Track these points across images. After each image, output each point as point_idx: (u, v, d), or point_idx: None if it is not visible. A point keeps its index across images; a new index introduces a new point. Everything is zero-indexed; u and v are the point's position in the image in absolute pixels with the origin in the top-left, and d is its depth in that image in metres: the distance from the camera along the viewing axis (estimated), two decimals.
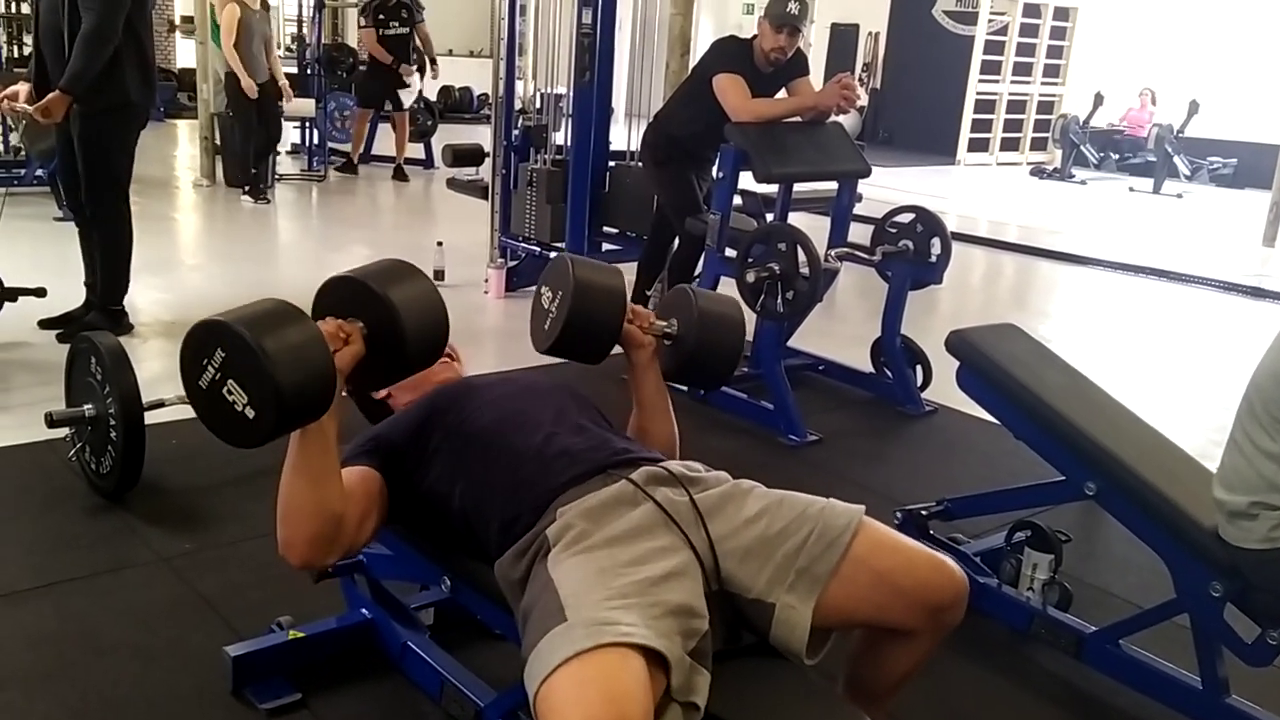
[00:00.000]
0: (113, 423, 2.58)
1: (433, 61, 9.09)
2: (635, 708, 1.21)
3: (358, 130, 9.00)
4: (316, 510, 1.52)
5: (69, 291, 4.11)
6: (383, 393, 1.97)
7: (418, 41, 8.75)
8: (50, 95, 3.62)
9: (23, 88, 3.72)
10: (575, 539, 1.46)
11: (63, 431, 2.74)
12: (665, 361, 1.92)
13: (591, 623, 1.29)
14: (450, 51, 12.90)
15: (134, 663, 2.02)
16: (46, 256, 5.03)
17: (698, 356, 1.90)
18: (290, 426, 1.44)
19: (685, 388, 3.90)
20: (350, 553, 1.66)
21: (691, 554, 1.47)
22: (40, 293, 3.95)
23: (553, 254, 5.20)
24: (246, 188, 7.32)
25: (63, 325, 3.95)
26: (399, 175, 8.78)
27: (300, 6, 11.43)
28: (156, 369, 3.70)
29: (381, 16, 8.43)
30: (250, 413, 1.38)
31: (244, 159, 7.42)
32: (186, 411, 2.96)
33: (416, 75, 8.74)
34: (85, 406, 2.66)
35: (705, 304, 1.92)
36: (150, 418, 2.65)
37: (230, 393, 1.39)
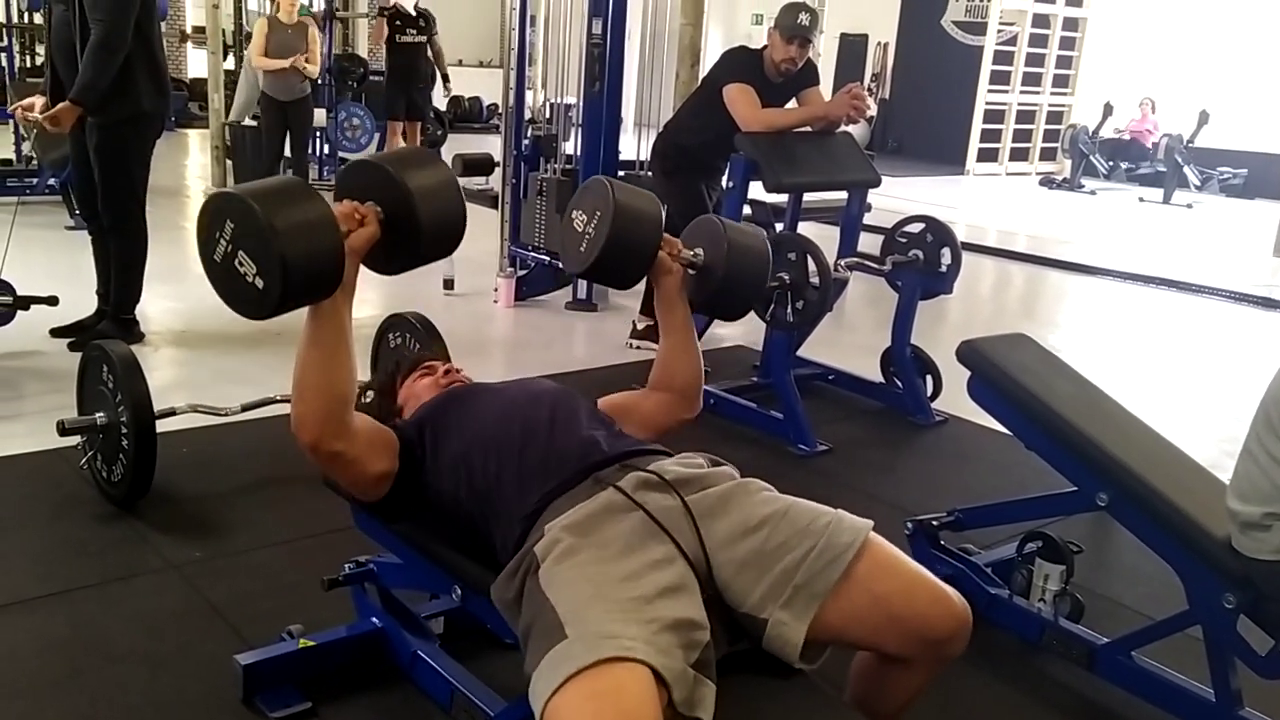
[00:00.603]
0: (124, 431, 2.59)
1: (445, 77, 9.08)
2: None
3: (391, 146, 8.91)
4: (327, 387, 1.54)
5: (81, 300, 4.13)
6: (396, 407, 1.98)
7: (430, 54, 8.73)
8: (60, 105, 3.64)
9: (39, 100, 3.75)
10: (564, 553, 1.44)
11: (74, 439, 2.75)
12: (692, 292, 1.92)
13: (591, 637, 1.28)
14: (460, 61, 12.95)
15: (144, 670, 2.03)
16: (59, 265, 5.06)
17: (726, 286, 1.91)
18: (298, 298, 1.47)
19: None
20: (358, 467, 1.63)
21: (686, 563, 1.45)
22: (52, 301, 3.97)
23: (561, 264, 5.23)
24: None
25: (74, 334, 3.97)
26: None
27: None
28: (168, 377, 3.71)
29: (399, 23, 8.41)
30: (259, 283, 1.43)
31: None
32: (198, 420, 3.01)
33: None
34: (97, 414, 2.67)
35: (734, 235, 1.93)
36: (161, 426, 2.66)
37: (241, 264, 1.44)
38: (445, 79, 9.08)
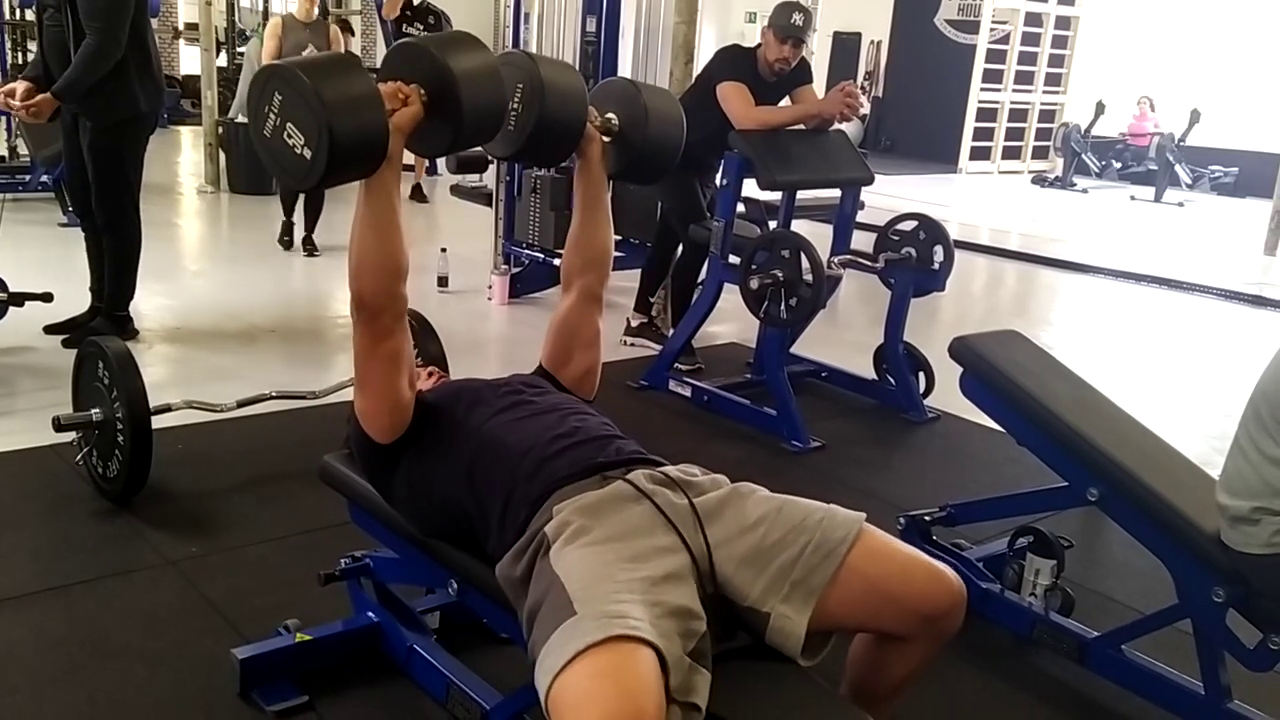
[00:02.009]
0: (120, 427, 2.59)
1: None
2: (650, 701, 1.22)
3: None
4: (383, 258, 1.60)
5: (74, 297, 4.13)
6: None
7: None
8: (42, 96, 3.63)
9: (20, 85, 3.71)
10: (575, 534, 1.46)
11: (70, 436, 2.75)
12: (610, 160, 1.91)
13: (602, 615, 1.30)
14: None
15: (141, 665, 2.03)
16: (52, 262, 5.06)
17: (645, 152, 1.90)
18: (344, 169, 1.52)
19: (685, 369, 3.94)
20: (391, 368, 1.66)
21: (689, 557, 1.47)
22: (46, 298, 3.97)
23: (556, 261, 5.24)
24: (286, 239, 6.05)
25: (68, 330, 3.96)
26: (417, 196, 7.98)
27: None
28: (162, 374, 3.72)
29: (408, 14, 7.64)
30: (307, 153, 1.48)
31: (286, 199, 6.14)
32: (193, 416, 3.02)
33: None
34: (92, 411, 2.68)
35: (649, 98, 1.91)
36: (157, 422, 2.66)
37: (290, 136, 1.49)
38: None
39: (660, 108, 1.92)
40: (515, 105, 1.78)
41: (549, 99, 1.75)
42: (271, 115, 1.51)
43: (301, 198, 5.98)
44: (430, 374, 2.01)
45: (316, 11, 6.35)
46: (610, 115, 1.90)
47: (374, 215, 1.59)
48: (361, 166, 1.54)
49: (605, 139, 1.90)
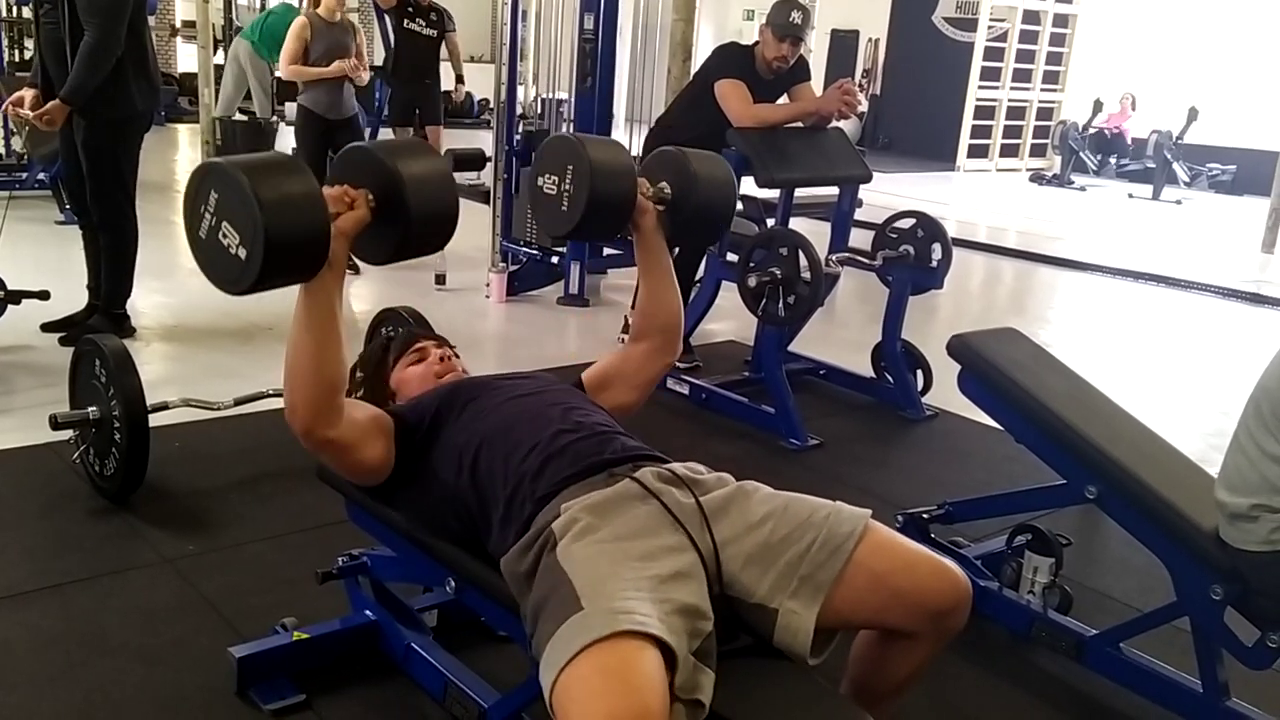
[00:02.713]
0: (117, 425, 2.59)
1: (459, 79, 7.93)
2: (655, 698, 1.22)
3: None
4: (316, 373, 1.55)
5: (71, 294, 4.12)
6: (389, 392, 1.98)
7: (445, 52, 7.57)
8: (51, 104, 3.63)
9: (28, 93, 3.72)
10: (583, 531, 1.46)
11: (67, 434, 2.75)
12: (664, 226, 1.93)
13: (608, 611, 1.30)
14: None
15: (139, 664, 2.03)
16: (49, 260, 5.05)
17: (697, 216, 1.92)
18: (280, 272, 1.46)
19: (683, 367, 3.94)
20: (353, 453, 1.65)
21: (697, 556, 1.48)
22: (43, 296, 3.96)
23: (554, 259, 5.24)
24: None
25: (65, 329, 3.96)
26: None
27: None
28: (159, 372, 3.71)
29: (410, 10, 7.04)
30: (241, 253, 1.43)
31: None
32: (190, 414, 3.01)
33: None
34: (89, 409, 2.67)
35: (698, 164, 1.93)
36: (154, 420, 2.66)
37: (225, 235, 1.44)
38: (459, 79, 7.94)
39: (708, 172, 1.94)
40: (567, 187, 1.80)
41: (598, 179, 1.76)
42: (207, 215, 1.45)
43: None
44: (442, 358, 2.00)
45: (340, 14, 5.62)
46: (663, 184, 1.92)
47: (312, 322, 1.53)
48: (300, 270, 1.48)
49: (659, 207, 1.91)
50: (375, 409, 1.74)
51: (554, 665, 1.27)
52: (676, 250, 4.30)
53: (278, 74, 6.57)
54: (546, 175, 1.84)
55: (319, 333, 1.54)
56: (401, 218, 1.58)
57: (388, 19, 7.17)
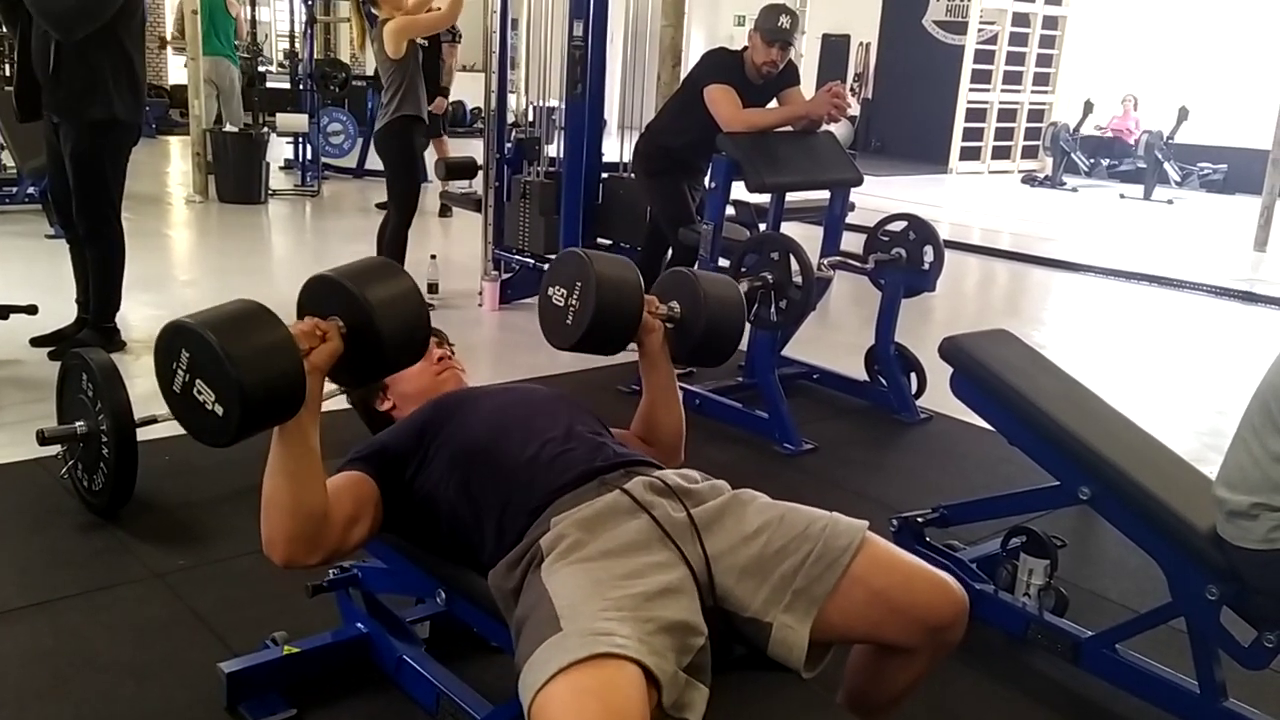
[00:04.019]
0: (105, 439, 2.57)
1: (444, 92, 7.96)
2: (634, 718, 1.21)
3: None
4: (295, 508, 1.51)
5: (61, 309, 4.11)
6: (387, 404, 1.96)
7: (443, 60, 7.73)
8: None
9: None
10: (569, 548, 1.45)
11: (55, 449, 2.73)
12: (672, 346, 1.93)
13: (586, 633, 1.28)
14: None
15: (129, 679, 2.01)
16: (38, 274, 5.03)
17: (706, 338, 1.92)
18: (259, 423, 1.44)
19: (677, 373, 3.92)
20: (337, 555, 1.64)
21: (687, 570, 1.46)
22: (32, 310, 3.94)
23: (546, 265, 5.22)
24: None
25: (54, 343, 3.94)
26: (446, 213, 7.45)
27: (292, 22, 11.46)
28: (149, 385, 3.65)
29: None
30: (219, 410, 1.40)
31: (394, 245, 5.01)
32: (179, 428, 2.97)
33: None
34: (77, 423, 2.65)
35: (708, 285, 1.94)
36: (142, 434, 2.64)
37: (200, 392, 1.41)
38: (444, 92, 8.03)
39: (718, 294, 1.95)
40: (574, 302, 1.80)
41: (603, 296, 1.77)
42: (180, 372, 1.43)
43: None
44: (440, 359, 1.97)
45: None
46: (674, 304, 1.93)
47: (289, 461, 1.49)
48: (278, 415, 1.46)
49: (668, 325, 1.92)
50: (353, 478, 1.67)
51: (531, 687, 1.26)
52: (669, 254, 4.35)
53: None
54: (556, 287, 1.86)
55: (297, 470, 1.50)
56: (373, 342, 1.55)
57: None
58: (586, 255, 1.82)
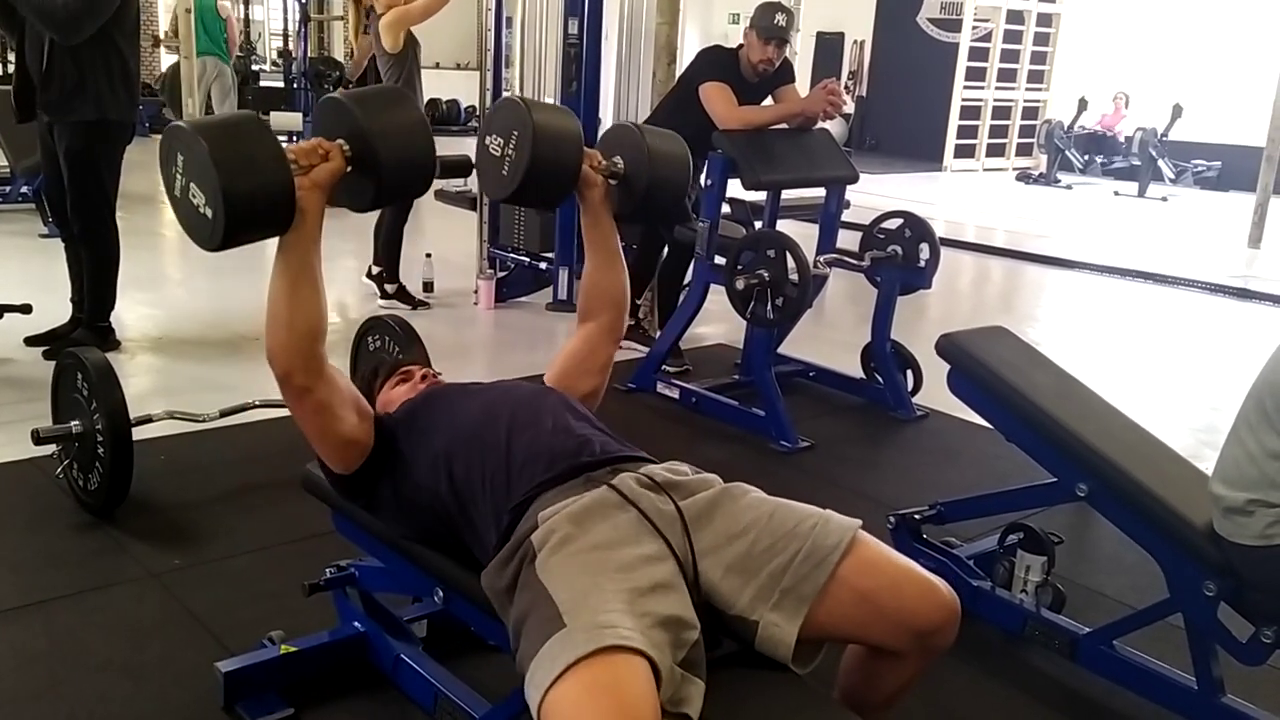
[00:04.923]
0: (100, 439, 2.56)
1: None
2: (646, 713, 1.21)
3: None
4: (290, 321, 1.57)
5: (55, 308, 4.10)
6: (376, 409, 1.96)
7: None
8: None
9: None
10: (561, 543, 1.44)
11: (50, 448, 2.72)
12: (616, 203, 1.92)
13: (591, 626, 1.27)
14: (438, 64, 12.91)
15: (124, 680, 2.00)
16: (32, 273, 5.01)
17: (650, 194, 1.91)
18: (246, 229, 1.52)
19: (673, 371, 3.93)
20: (326, 420, 1.64)
21: (676, 564, 1.45)
22: (26, 309, 3.93)
23: (542, 265, 5.22)
24: (391, 287, 5.02)
25: (49, 342, 3.93)
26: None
27: (286, 20, 11.45)
28: (144, 385, 3.68)
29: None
30: (208, 212, 1.48)
31: (391, 241, 4.99)
32: (174, 427, 2.99)
33: None
34: (72, 423, 2.65)
35: (653, 140, 1.92)
36: (138, 433, 2.64)
37: (194, 195, 1.50)
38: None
39: (664, 149, 1.93)
40: (510, 151, 1.79)
41: (540, 145, 1.75)
42: (178, 175, 1.51)
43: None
44: (424, 376, 1.98)
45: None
46: (616, 159, 1.91)
47: (287, 271, 1.57)
48: (268, 225, 1.54)
49: (611, 182, 1.91)
50: (359, 400, 1.74)
51: (540, 685, 1.24)
52: (665, 252, 4.34)
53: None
54: (492, 136, 1.83)
55: (293, 282, 1.58)
56: (376, 165, 1.60)
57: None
58: (524, 102, 1.81)
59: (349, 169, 1.61)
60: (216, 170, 1.44)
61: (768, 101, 4.09)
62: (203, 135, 1.47)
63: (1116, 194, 11.89)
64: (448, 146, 8.87)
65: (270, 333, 1.59)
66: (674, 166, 1.94)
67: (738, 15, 14.24)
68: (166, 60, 13.53)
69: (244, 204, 1.47)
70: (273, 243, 1.60)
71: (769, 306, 3.38)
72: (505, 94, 5.09)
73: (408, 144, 1.64)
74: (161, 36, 13.64)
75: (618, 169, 1.90)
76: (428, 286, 5.23)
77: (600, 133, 5.00)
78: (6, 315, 3.83)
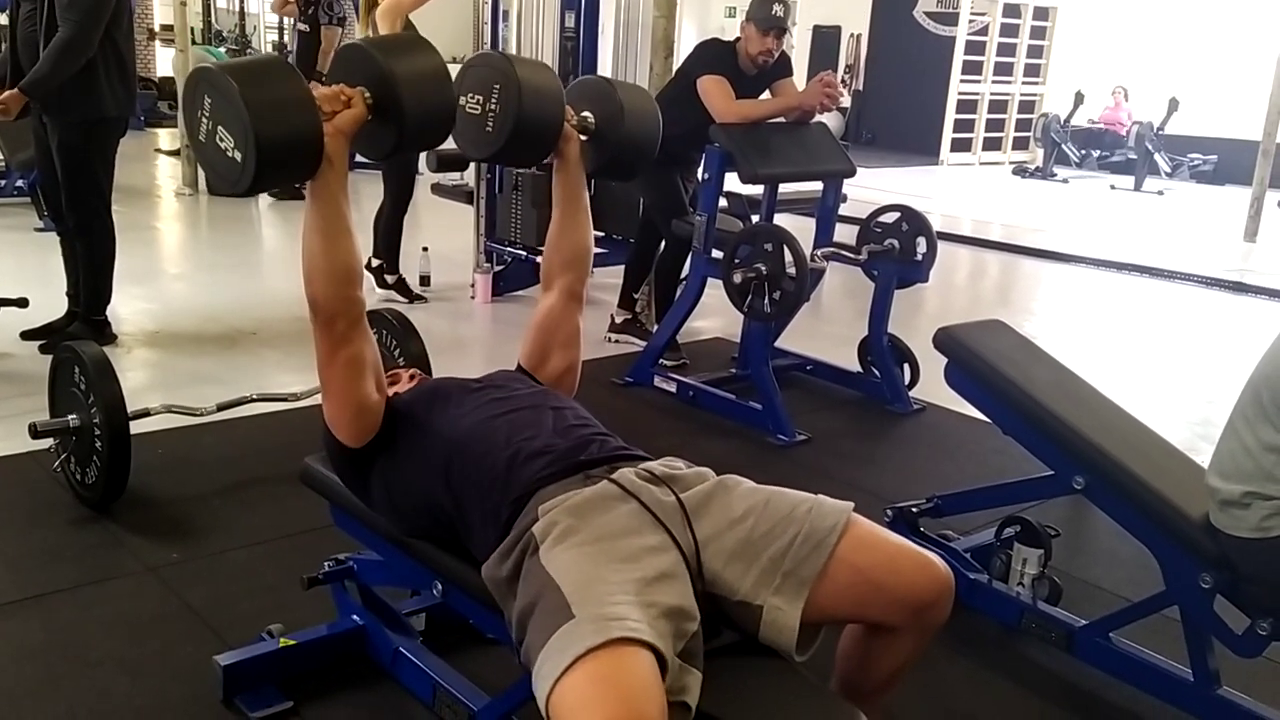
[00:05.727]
0: (97, 433, 2.56)
1: (318, 77, 7.35)
2: (653, 705, 1.21)
3: None
4: (331, 265, 1.60)
5: (51, 302, 4.09)
6: None
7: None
8: (9, 93, 3.57)
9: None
10: (564, 534, 1.44)
11: (47, 442, 2.72)
12: (587, 157, 1.92)
13: (599, 618, 1.28)
14: None
15: (123, 674, 2.01)
16: (28, 267, 5.00)
17: (622, 148, 1.91)
18: (275, 172, 1.52)
19: (670, 365, 3.93)
20: (352, 374, 1.66)
21: (679, 554, 1.46)
22: (22, 303, 3.92)
23: (539, 258, 5.21)
24: (391, 278, 4.99)
25: (45, 336, 3.92)
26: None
27: (281, 18, 11.39)
28: (141, 378, 3.68)
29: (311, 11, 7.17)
30: (237, 155, 1.48)
31: (390, 232, 5.00)
32: (172, 421, 2.98)
33: None
34: (70, 417, 2.64)
35: (625, 94, 1.92)
36: (135, 427, 2.63)
37: (221, 139, 1.49)
38: (318, 77, 7.29)
39: (635, 104, 1.92)
40: (493, 107, 1.77)
41: (525, 100, 1.74)
42: (204, 120, 1.51)
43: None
44: (412, 376, 1.99)
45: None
46: (586, 114, 1.90)
47: (319, 218, 1.59)
48: (296, 170, 1.54)
49: (582, 137, 1.89)
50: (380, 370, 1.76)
51: (548, 677, 1.25)
52: (662, 246, 4.34)
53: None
54: (470, 94, 1.81)
55: (326, 226, 1.59)
56: (397, 114, 1.60)
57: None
58: (507, 56, 1.80)
59: (370, 117, 1.60)
60: (248, 111, 1.43)
61: (765, 95, 4.09)
62: (233, 76, 1.46)
63: (1113, 188, 11.90)
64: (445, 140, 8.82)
65: (311, 281, 1.60)
66: (645, 120, 1.94)
67: (734, 9, 14.20)
68: (161, 54, 13.48)
69: (274, 147, 1.47)
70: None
71: (766, 300, 3.38)
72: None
73: (430, 92, 1.63)
74: (156, 29, 13.59)
75: (589, 124, 1.90)
76: (424, 280, 5.22)
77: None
78: (2, 309, 3.83)
